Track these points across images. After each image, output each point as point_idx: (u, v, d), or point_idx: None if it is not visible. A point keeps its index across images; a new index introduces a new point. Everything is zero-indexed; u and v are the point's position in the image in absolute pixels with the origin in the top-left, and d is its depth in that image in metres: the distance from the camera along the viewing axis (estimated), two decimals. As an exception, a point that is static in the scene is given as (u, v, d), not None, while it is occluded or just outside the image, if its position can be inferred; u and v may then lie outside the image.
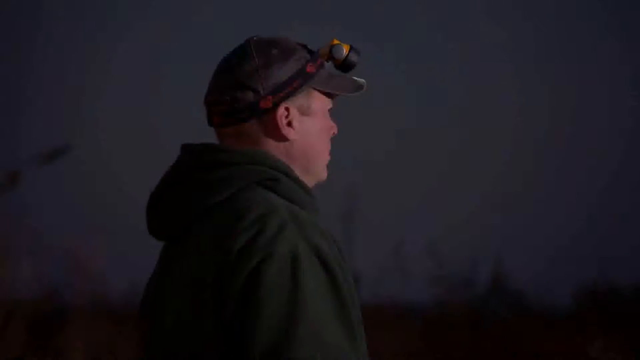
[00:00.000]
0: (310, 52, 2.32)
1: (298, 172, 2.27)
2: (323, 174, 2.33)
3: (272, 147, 2.29)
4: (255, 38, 2.31)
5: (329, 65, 2.32)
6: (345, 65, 2.34)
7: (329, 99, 2.31)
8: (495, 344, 9.65)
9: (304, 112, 2.29)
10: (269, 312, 2.08)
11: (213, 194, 2.22)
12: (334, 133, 2.34)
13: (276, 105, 2.25)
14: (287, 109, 2.26)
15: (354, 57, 2.35)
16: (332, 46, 2.33)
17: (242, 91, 2.27)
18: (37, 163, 5.46)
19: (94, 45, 12.98)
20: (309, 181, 2.29)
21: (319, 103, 2.30)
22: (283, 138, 2.27)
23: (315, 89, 2.28)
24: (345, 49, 2.34)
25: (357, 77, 2.35)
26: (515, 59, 14.65)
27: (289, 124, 2.25)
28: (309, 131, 2.29)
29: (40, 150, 5.52)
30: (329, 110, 2.32)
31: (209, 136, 2.33)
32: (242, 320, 2.09)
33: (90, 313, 5.28)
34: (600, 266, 10.18)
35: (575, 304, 10.78)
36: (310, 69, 2.29)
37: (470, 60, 14.30)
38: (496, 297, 10.74)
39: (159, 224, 2.27)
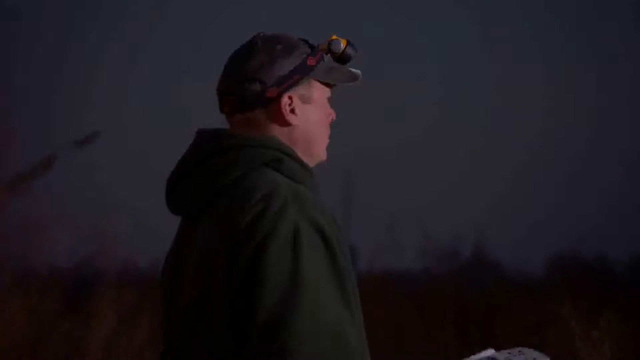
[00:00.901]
0: (311, 46, 2.32)
1: (300, 154, 2.28)
2: (323, 155, 2.34)
3: (277, 132, 2.29)
4: (261, 35, 2.33)
5: (328, 58, 2.32)
6: (342, 58, 2.35)
7: (328, 89, 2.32)
8: (476, 308, 9.64)
9: (305, 100, 2.30)
10: (272, 284, 2.08)
11: (225, 175, 2.23)
12: (332, 119, 2.34)
13: (280, 95, 2.26)
14: (290, 98, 2.27)
15: (350, 51, 2.36)
16: (330, 41, 2.34)
17: (250, 83, 2.28)
18: (71, 148, 5.46)
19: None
20: (310, 162, 2.30)
21: (319, 92, 2.31)
22: (287, 124, 2.28)
23: (315, 79, 2.29)
24: (342, 44, 2.35)
25: (360, 71, 2.35)
26: (541, 58, 14.20)
27: (292, 111, 2.26)
28: (309, 117, 2.30)
29: (74, 137, 5.52)
30: (327, 98, 2.33)
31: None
32: (249, 290, 2.09)
33: (118, 280, 5.28)
34: (567, 240, 10.22)
35: (546, 272, 10.81)
36: (310, 62, 2.29)
37: (501, 59, 13.97)
38: (477, 267, 10.73)
39: (177, 202, 2.28)
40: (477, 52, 14.45)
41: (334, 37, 2.34)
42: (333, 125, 2.36)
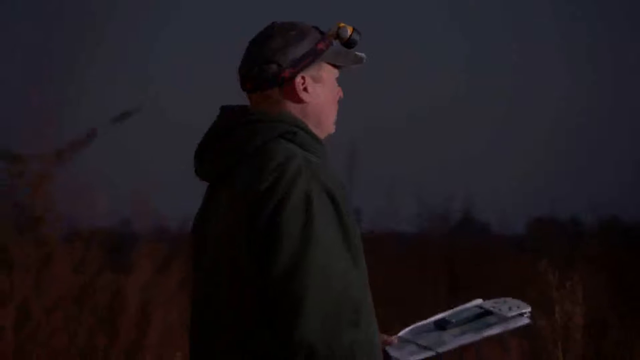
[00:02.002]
0: (321, 32, 2.31)
1: (311, 127, 2.28)
2: (331, 128, 2.33)
3: (291, 108, 2.29)
4: (277, 22, 2.32)
5: (336, 43, 2.31)
6: (349, 43, 2.34)
7: (336, 70, 2.31)
8: (465, 263, 9.65)
9: (316, 80, 2.29)
10: (287, 238, 2.08)
11: (246, 145, 2.23)
12: (340, 97, 2.34)
13: (294, 76, 2.25)
14: (303, 78, 2.27)
15: (356, 37, 2.35)
16: (338, 28, 2.32)
17: (268, 65, 2.28)
18: (110, 122, 5.46)
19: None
20: (320, 134, 2.30)
21: (328, 73, 2.30)
22: (300, 101, 2.28)
23: (324, 62, 2.28)
24: (349, 30, 2.33)
25: (364, 53, 2.35)
26: (563, 39, 13.75)
27: (305, 89, 2.26)
28: (320, 95, 2.29)
29: (113, 112, 5.51)
30: (336, 78, 2.32)
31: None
32: (267, 244, 2.09)
33: (151, 237, 5.28)
34: (546, 202, 10.26)
35: (527, 232, 10.83)
36: (321, 46, 2.29)
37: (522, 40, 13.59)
38: (466, 227, 10.73)
39: (204, 169, 2.28)
40: (498, 30, 14.17)
41: (342, 24, 2.33)
42: (341, 101, 2.36)
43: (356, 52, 2.33)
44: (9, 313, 4.78)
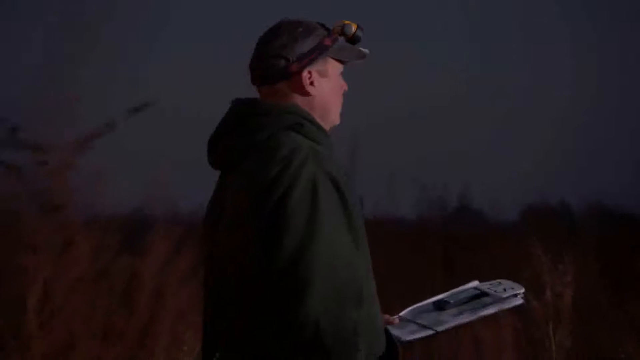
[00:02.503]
0: (327, 29, 2.31)
1: (317, 119, 2.29)
2: (337, 120, 2.34)
3: (298, 100, 2.29)
4: (285, 19, 2.31)
5: (341, 39, 2.31)
6: (353, 39, 2.34)
7: (341, 65, 2.31)
8: (461, 248, 9.65)
9: (322, 74, 2.29)
10: (294, 223, 2.09)
11: (256, 136, 2.23)
12: (345, 90, 2.34)
13: (301, 70, 2.25)
14: (309, 72, 2.27)
15: (360, 33, 2.35)
16: (343, 25, 2.32)
17: (276, 59, 2.28)
18: (129, 113, 5.46)
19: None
20: (326, 125, 2.31)
21: (333, 68, 2.30)
22: (307, 94, 2.28)
23: (330, 57, 2.28)
24: (353, 27, 2.33)
25: (366, 49, 2.35)
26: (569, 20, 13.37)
27: (311, 83, 2.26)
28: (325, 89, 2.29)
29: (131, 104, 5.52)
30: (340, 73, 2.32)
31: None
32: (275, 229, 2.10)
33: (166, 222, 5.28)
34: (538, 191, 10.28)
35: (520, 218, 10.86)
36: (326, 42, 2.29)
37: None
38: (463, 214, 10.74)
39: (216, 158, 2.29)
40: (501, 29, 14.00)
41: (346, 22, 2.33)
42: (346, 95, 2.36)
43: (360, 48, 2.33)
44: (33, 292, 4.80)
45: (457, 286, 2.40)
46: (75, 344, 4.71)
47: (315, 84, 2.26)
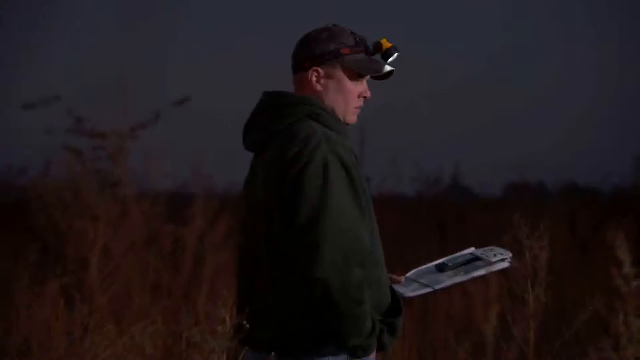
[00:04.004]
0: (357, 42, 2.25)
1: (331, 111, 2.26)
2: (347, 119, 2.28)
3: (312, 93, 2.27)
4: (329, 25, 2.28)
5: (363, 54, 2.24)
6: (385, 55, 2.27)
7: (357, 74, 2.24)
8: (453, 219, 9.63)
9: (329, 76, 2.26)
10: (309, 196, 2.08)
11: (280, 123, 2.23)
12: (364, 97, 2.27)
13: (311, 67, 2.23)
14: (317, 71, 2.23)
15: (391, 52, 2.26)
16: (373, 43, 2.27)
17: (299, 53, 2.26)
18: (171, 106, 5.46)
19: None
20: (341, 120, 2.26)
21: (344, 74, 2.24)
22: (314, 88, 2.26)
23: (345, 64, 2.23)
24: (383, 46, 2.26)
25: (392, 65, 2.27)
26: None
27: (317, 81, 2.23)
28: (330, 89, 2.26)
29: (172, 99, 5.51)
30: (359, 80, 2.25)
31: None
32: (293, 199, 2.09)
33: (205, 198, 5.28)
34: (518, 169, 10.27)
35: (503, 193, 10.87)
36: (344, 51, 2.24)
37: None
38: (454, 190, 10.72)
39: (249, 141, 2.29)
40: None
41: (383, 40, 2.26)
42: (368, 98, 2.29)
43: (384, 66, 2.24)
44: (95, 254, 4.83)
45: (450, 250, 2.40)
46: (130, 297, 4.74)
47: (321, 82, 2.23)
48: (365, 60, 2.28)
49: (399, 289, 2.25)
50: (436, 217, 9.72)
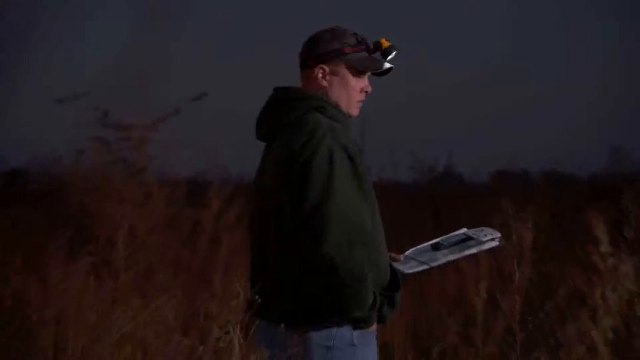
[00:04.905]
0: (359, 42, 2.25)
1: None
2: (350, 112, 2.28)
3: (318, 88, 2.26)
4: (334, 26, 2.28)
5: (364, 52, 2.24)
6: (384, 54, 2.27)
7: (358, 71, 2.24)
8: (445, 204, 9.63)
9: (334, 73, 2.26)
10: (315, 183, 2.09)
11: (289, 116, 2.23)
12: (365, 91, 2.27)
13: (316, 65, 2.23)
14: (322, 68, 2.24)
15: (390, 50, 2.27)
16: (378, 42, 2.27)
17: (306, 52, 2.26)
18: (191, 101, 5.44)
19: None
20: (345, 113, 2.26)
21: (347, 71, 2.24)
22: (319, 84, 2.25)
23: (347, 62, 2.23)
24: (383, 45, 2.27)
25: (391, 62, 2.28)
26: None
27: (323, 77, 2.23)
28: (334, 85, 2.26)
29: (191, 95, 5.49)
30: (361, 77, 2.24)
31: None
32: (300, 187, 2.10)
33: (220, 184, 5.29)
34: (505, 157, 10.31)
35: (491, 180, 10.88)
36: (346, 50, 2.25)
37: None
38: (447, 178, 10.74)
39: (261, 133, 2.28)
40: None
41: (383, 39, 2.26)
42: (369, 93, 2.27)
43: (384, 63, 2.24)
44: (121, 234, 4.84)
45: (443, 232, 2.39)
46: (153, 274, 4.75)
47: (327, 78, 2.24)
48: (366, 58, 2.29)
49: (399, 266, 2.26)
50: (430, 202, 9.72)
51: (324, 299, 2.02)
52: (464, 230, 2.33)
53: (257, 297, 2.13)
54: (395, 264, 2.23)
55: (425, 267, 2.22)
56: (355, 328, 2.04)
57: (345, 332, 2.04)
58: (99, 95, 5.34)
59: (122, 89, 5.40)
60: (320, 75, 2.20)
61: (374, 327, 2.13)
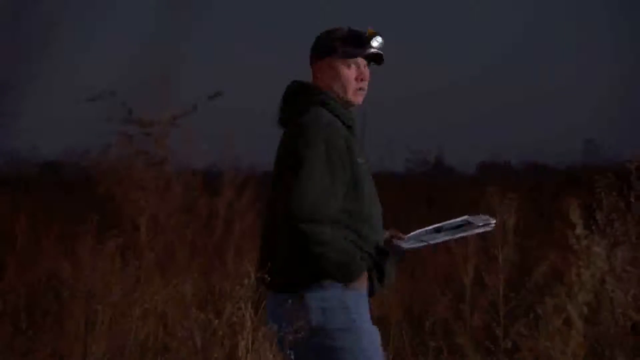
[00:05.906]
0: (347, 35, 2.26)
1: (341, 94, 2.26)
2: (353, 100, 2.29)
3: (322, 83, 2.28)
4: (336, 27, 2.29)
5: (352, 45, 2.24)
6: (367, 41, 2.27)
7: (353, 60, 2.25)
8: (437, 193, 9.63)
9: (330, 67, 2.27)
10: (293, 167, 2.15)
11: (297, 107, 2.23)
12: (361, 79, 2.28)
13: (315, 62, 2.25)
14: (319, 64, 2.25)
15: (373, 36, 2.28)
16: (364, 31, 2.27)
17: (311, 53, 2.27)
18: (208, 98, 5.43)
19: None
20: (348, 102, 2.27)
21: (338, 63, 2.25)
22: (322, 77, 2.26)
23: (336, 55, 2.24)
24: (369, 32, 2.27)
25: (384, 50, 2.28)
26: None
27: (323, 72, 2.24)
28: (333, 77, 2.26)
29: (207, 92, 5.49)
30: (355, 66, 2.25)
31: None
32: (289, 163, 2.10)
33: (235, 174, 5.29)
34: (490, 149, 10.29)
35: (478, 170, 10.88)
36: (336, 44, 2.26)
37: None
38: (438, 169, 10.74)
39: (280, 120, 2.30)
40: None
41: (370, 30, 2.27)
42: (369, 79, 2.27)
43: (372, 51, 2.25)
44: (143, 219, 4.86)
45: (436, 217, 2.41)
46: (173, 255, 4.76)
47: (326, 73, 2.25)
48: (353, 49, 2.30)
49: (400, 243, 2.29)
50: (423, 190, 9.74)
51: (312, 266, 2.05)
52: (465, 216, 2.35)
53: (266, 276, 2.14)
54: (396, 242, 2.26)
55: (423, 244, 2.26)
56: (346, 285, 2.06)
57: (337, 294, 2.07)
58: (123, 92, 5.35)
59: (145, 88, 5.41)
60: (319, 70, 2.22)
61: (364, 289, 2.16)
